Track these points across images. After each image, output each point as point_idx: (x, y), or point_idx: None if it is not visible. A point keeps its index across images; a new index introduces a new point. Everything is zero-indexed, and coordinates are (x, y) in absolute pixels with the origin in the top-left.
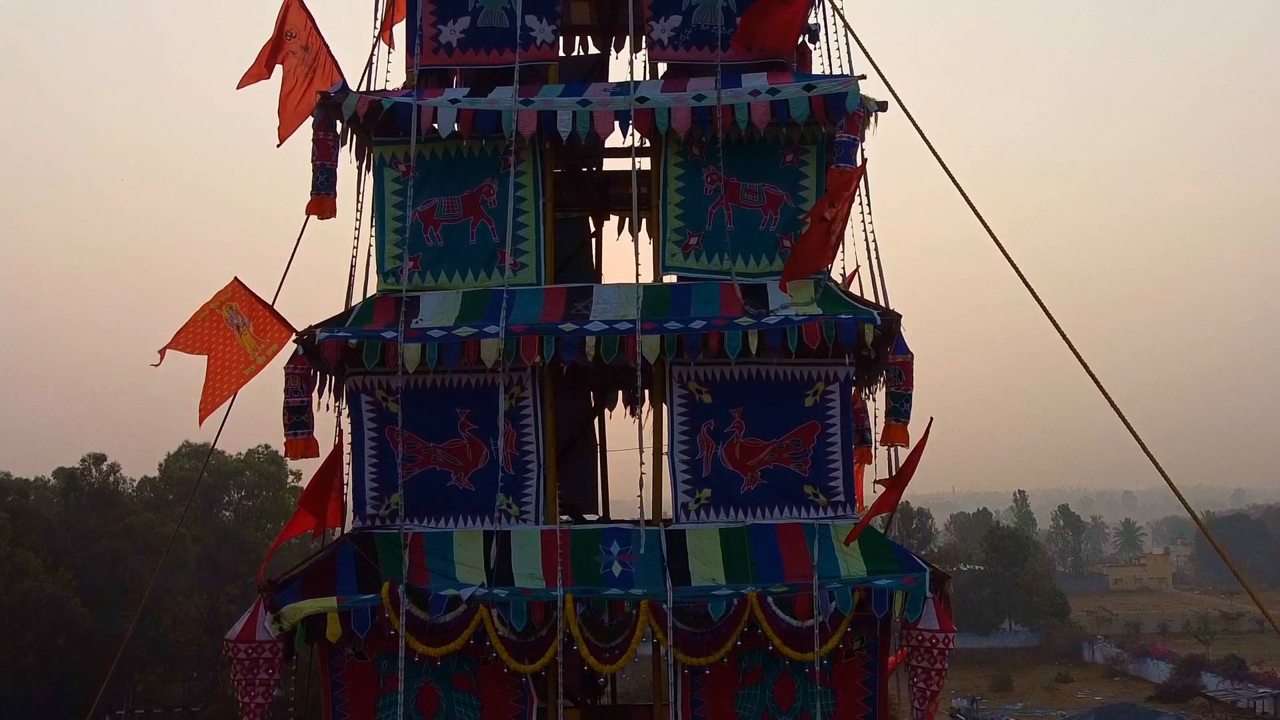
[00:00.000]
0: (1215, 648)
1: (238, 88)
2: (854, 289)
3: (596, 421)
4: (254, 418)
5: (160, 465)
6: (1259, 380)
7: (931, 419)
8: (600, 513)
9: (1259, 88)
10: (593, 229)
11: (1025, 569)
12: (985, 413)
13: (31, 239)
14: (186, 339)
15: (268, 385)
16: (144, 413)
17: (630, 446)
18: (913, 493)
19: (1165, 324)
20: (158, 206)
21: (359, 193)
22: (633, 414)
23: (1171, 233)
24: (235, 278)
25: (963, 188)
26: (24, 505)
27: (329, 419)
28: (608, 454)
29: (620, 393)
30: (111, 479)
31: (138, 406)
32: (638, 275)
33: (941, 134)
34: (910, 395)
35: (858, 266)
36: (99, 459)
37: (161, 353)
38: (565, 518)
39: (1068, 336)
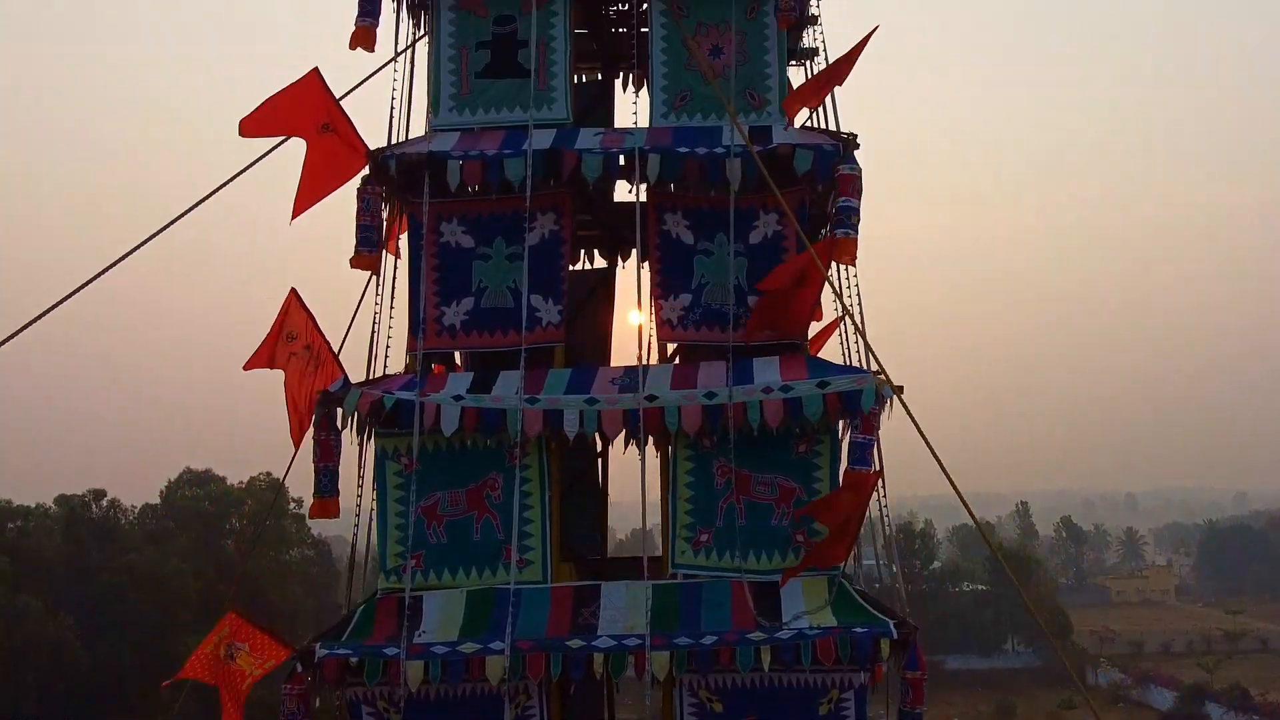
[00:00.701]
0: (1218, 672)
1: (244, 368)
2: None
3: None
4: (254, 444)
5: (161, 492)
6: (1262, 379)
7: None
8: None
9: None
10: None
11: (1028, 588)
12: (985, 414)
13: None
14: (193, 667)
15: (267, 392)
16: (144, 436)
17: None
18: (914, 496)
19: (1166, 321)
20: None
21: (359, 488)
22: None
23: (1175, 229)
24: (232, 611)
25: (940, 459)
26: (24, 543)
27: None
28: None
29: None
30: (112, 513)
31: (139, 430)
32: (644, 517)
33: (941, 132)
34: (921, 714)
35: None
36: (99, 494)
37: (166, 684)
38: None
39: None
